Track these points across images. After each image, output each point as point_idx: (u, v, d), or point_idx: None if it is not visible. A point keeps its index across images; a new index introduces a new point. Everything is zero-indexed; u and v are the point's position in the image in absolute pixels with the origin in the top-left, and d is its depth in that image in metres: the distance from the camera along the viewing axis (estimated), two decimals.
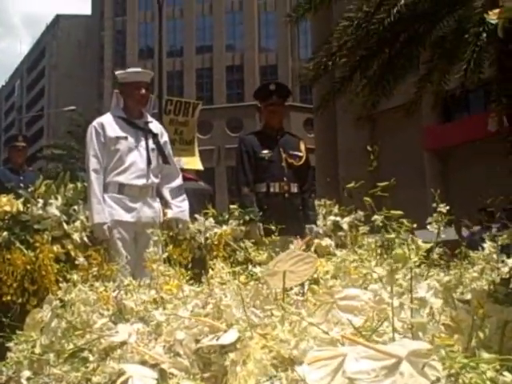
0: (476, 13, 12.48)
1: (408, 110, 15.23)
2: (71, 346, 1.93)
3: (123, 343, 1.81)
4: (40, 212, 4.02)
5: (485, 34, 12.20)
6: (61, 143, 41.41)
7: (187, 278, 2.25)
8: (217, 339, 1.40)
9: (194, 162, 7.02)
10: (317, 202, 5.62)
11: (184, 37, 54.04)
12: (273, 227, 2.73)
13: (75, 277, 2.12)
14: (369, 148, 1.52)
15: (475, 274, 1.95)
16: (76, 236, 4.06)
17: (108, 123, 4.50)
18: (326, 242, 4.77)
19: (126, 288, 2.15)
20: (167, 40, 49.41)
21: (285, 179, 5.03)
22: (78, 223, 4.17)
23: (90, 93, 54.56)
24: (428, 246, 1.19)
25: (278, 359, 1.27)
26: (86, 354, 1.87)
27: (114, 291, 2.30)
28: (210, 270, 1.94)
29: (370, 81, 14.15)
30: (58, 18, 66.32)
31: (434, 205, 2.46)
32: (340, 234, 5.36)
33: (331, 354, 0.94)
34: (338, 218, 5.41)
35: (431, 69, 14.28)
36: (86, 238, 4.13)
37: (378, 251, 2.41)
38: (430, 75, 14.38)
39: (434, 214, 2.51)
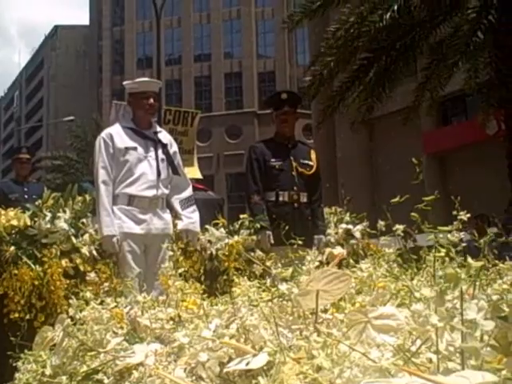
0: (469, 13, 12.51)
1: (406, 117, 15.29)
2: (84, 367, 1.85)
3: (140, 365, 1.72)
4: (48, 226, 3.93)
5: (480, 34, 12.23)
6: (59, 155, 41.31)
7: (201, 292, 2.16)
8: (246, 363, 1.31)
9: (194, 172, 6.97)
10: (327, 210, 5.55)
11: (182, 45, 54.07)
12: (288, 236, 2.63)
13: (88, 294, 2.02)
14: (414, 160, 1.42)
15: (505, 286, 1.87)
16: (85, 250, 3.98)
17: (117, 134, 4.42)
18: (339, 250, 4.71)
19: (141, 305, 2.06)
20: (165, 49, 49.56)
21: (295, 188, 4.96)
22: (86, 236, 4.10)
23: (89, 103, 54.53)
24: (479, 264, 1.11)
25: None
26: (100, 376, 1.78)
27: (125, 307, 2.21)
28: (234, 287, 1.85)
29: (366, 87, 14.24)
30: (56, 28, 66.39)
31: (454, 212, 2.37)
32: (352, 242, 5.29)
33: None
34: (350, 226, 5.34)
35: (429, 75, 14.37)
36: (94, 252, 4.05)
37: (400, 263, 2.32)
38: (427, 82, 14.48)
39: (455, 222, 2.41)
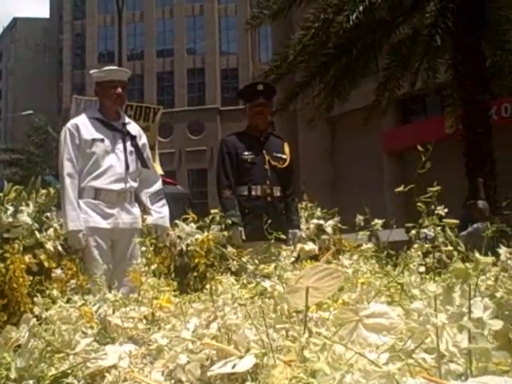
0: (428, 16, 12.67)
1: (367, 116, 15.52)
2: (53, 370, 1.73)
3: (113, 367, 1.62)
4: (10, 220, 3.75)
5: (439, 37, 12.38)
6: (18, 148, 40.56)
7: (173, 289, 2.07)
8: (232, 366, 1.22)
9: (156, 167, 6.86)
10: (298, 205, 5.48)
11: (144, 40, 53.58)
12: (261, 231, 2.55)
13: (55, 292, 1.91)
14: (419, 148, 1.32)
15: (490, 282, 1.82)
16: (49, 245, 3.81)
17: (83, 125, 4.24)
18: (310, 246, 4.62)
19: (112, 303, 1.95)
20: (127, 43, 49.03)
21: (268, 182, 4.83)
22: (51, 231, 3.92)
23: (49, 97, 53.71)
24: (489, 259, 1.04)
25: None
26: (70, 379, 1.67)
27: (94, 305, 2.10)
28: (215, 284, 1.76)
29: (327, 85, 14.44)
30: (15, 21, 65.14)
31: (432, 207, 2.32)
32: (323, 237, 5.23)
33: None
34: (322, 221, 5.28)
35: (388, 75, 14.63)
36: (59, 247, 3.88)
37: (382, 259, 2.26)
38: (387, 82, 14.75)
39: (431, 217, 2.36)
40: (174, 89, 52.66)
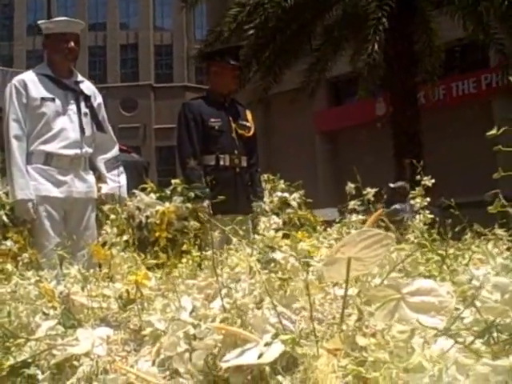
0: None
1: (295, 97, 15.66)
2: (10, 359, 1.44)
3: (86, 355, 1.34)
4: None
5: (385, 20, 12.45)
6: None
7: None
8: (259, 356, 0.97)
9: None
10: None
11: (75, 13, 51.68)
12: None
13: (9, 266, 1.61)
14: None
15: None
16: None
17: (31, 81, 3.82)
18: (274, 220, 4.38)
19: (76, 279, 1.67)
20: (58, 16, 47.10)
21: (236, 152, 4.53)
22: None
23: None
24: None
25: None
26: (32, 370, 1.39)
27: (51, 282, 1.82)
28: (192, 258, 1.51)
29: (261, 66, 14.45)
30: None
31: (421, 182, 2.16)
32: (288, 211, 5.01)
33: None
34: (286, 194, 5.06)
35: (319, 56, 14.78)
36: (5, 218, 3.53)
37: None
38: (318, 63, 14.91)
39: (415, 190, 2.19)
40: (106, 64, 51.39)
